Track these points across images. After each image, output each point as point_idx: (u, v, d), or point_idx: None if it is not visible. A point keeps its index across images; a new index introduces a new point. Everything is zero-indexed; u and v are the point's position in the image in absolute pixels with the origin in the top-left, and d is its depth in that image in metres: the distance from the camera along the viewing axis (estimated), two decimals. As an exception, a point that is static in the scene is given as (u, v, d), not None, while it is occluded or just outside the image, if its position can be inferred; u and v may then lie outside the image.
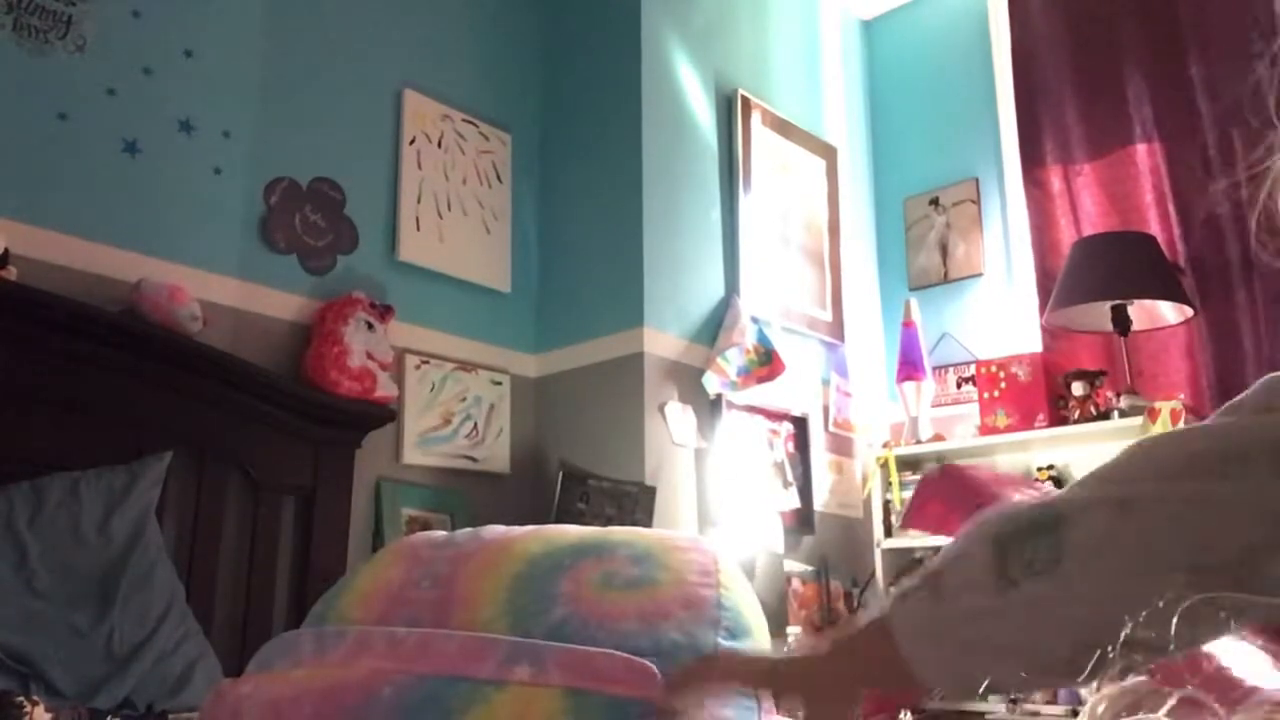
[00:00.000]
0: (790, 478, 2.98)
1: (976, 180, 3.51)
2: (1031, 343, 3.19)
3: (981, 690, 0.60)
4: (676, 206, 2.90)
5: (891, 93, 3.83)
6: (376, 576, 0.95)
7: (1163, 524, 0.55)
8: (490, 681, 0.75)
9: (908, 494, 2.98)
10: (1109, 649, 0.52)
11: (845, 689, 0.67)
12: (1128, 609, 0.52)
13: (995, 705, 2.74)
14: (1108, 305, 2.87)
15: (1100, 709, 0.50)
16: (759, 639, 0.85)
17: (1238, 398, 0.62)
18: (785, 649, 0.80)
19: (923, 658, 0.62)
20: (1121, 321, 2.85)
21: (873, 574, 3.11)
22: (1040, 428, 2.95)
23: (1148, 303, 2.88)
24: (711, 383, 2.80)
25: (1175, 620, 0.49)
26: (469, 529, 1.03)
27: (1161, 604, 0.50)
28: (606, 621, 0.79)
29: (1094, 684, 0.54)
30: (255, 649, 2.48)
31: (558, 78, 3.19)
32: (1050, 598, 0.57)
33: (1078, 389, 2.89)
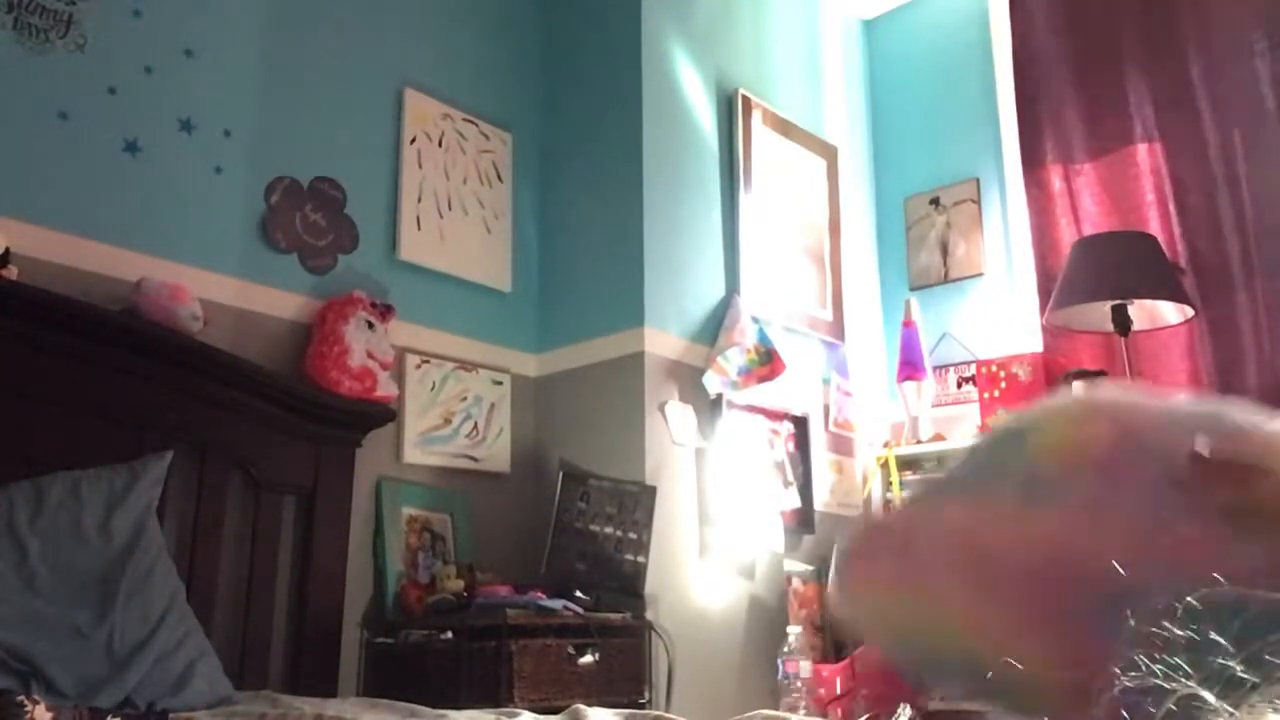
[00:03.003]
0: (790, 477, 2.98)
1: (977, 180, 3.51)
2: (1032, 342, 3.19)
3: None
4: (677, 206, 2.89)
5: (892, 92, 3.83)
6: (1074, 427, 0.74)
7: None
8: None
9: (908, 494, 2.98)
10: None
11: None
12: None
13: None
14: (1108, 305, 2.86)
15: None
16: None
17: None
18: None
19: None
20: (1122, 321, 2.85)
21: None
22: (1041, 427, 2.94)
23: (1148, 303, 2.88)
24: (712, 382, 2.80)
25: None
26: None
27: None
28: None
29: None
30: (255, 648, 2.45)
31: (558, 77, 3.19)
32: None
33: (1078, 389, 2.89)
